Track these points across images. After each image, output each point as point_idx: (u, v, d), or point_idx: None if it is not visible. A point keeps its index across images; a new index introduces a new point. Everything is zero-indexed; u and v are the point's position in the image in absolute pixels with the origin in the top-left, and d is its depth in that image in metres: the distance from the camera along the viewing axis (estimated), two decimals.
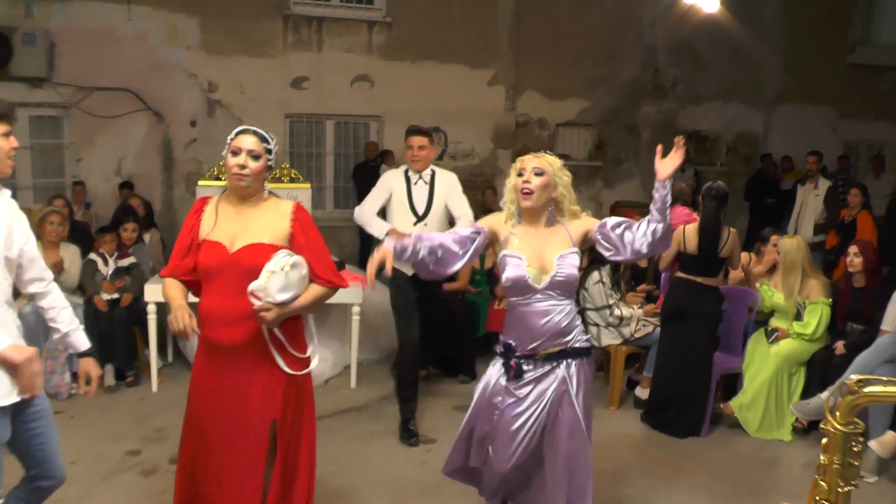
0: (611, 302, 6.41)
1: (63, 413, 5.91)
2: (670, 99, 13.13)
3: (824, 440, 1.53)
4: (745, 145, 13.69)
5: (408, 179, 5.69)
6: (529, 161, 3.60)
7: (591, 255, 6.85)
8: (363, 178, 10.84)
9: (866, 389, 1.49)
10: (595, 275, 6.46)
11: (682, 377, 5.94)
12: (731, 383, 6.37)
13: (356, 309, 6.64)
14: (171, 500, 4.47)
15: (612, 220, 3.50)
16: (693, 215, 6.83)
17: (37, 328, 6.22)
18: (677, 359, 5.96)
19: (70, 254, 6.64)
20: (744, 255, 6.65)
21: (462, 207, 5.68)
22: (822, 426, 1.54)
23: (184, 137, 10.72)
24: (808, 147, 10.65)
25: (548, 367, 3.55)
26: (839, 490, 1.48)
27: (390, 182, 5.76)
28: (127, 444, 5.38)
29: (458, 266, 3.58)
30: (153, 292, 6.36)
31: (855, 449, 1.48)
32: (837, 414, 1.50)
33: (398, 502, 4.72)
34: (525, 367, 3.56)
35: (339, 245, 10.35)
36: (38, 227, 6.47)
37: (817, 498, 1.52)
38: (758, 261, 6.92)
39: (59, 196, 8.14)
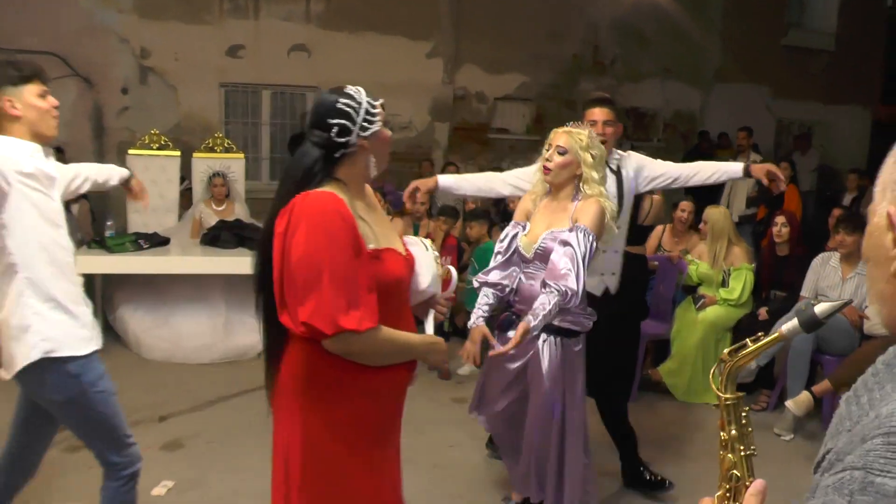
0: None
1: None
2: (609, 76, 13.20)
3: (720, 419, 1.60)
4: (682, 122, 13.87)
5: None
6: (556, 137, 3.66)
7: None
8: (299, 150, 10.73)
9: (738, 355, 1.59)
10: None
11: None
12: (660, 350, 6.50)
13: None
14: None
15: (566, 238, 3.42)
16: None
17: None
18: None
19: None
20: (658, 228, 6.82)
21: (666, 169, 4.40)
22: (715, 404, 1.62)
23: (115, 105, 10.43)
24: (744, 125, 10.86)
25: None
26: (742, 455, 1.55)
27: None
28: None
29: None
30: (82, 264, 6.18)
31: (743, 414, 1.57)
32: (724, 387, 1.58)
33: None
34: (512, 329, 3.54)
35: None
36: None
37: (728, 470, 1.57)
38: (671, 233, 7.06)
39: None
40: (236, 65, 10.95)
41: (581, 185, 3.62)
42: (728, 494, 1.56)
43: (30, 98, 2.95)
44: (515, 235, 3.73)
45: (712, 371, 1.70)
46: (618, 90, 13.18)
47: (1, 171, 2.80)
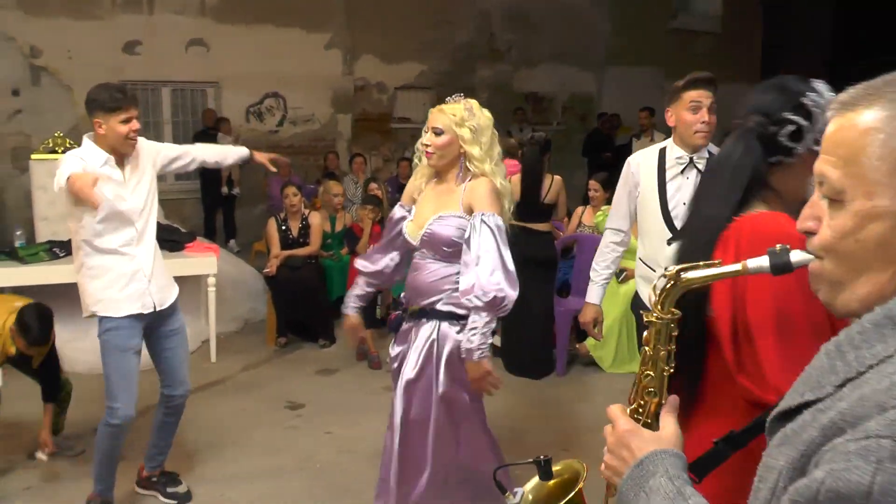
0: None
1: None
2: (506, 62, 13.43)
3: (646, 333, 1.57)
4: (579, 105, 14.22)
5: (663, 163, 3.63)
6: (431, 117, 3.33)
7: None
8: None
9: (685, 276, 1.51)
10: None
11: (527, 323, 6.16)
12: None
13: (211, 280, 6.47)
14: (35, 494, 4.34)
15: (478, 228, 3.16)
16: (516, 167, 7.05)
17: None
18: (520, 304, 6.16)
19: None
20: (577, 211, 6.99)
21: None
22: (646, 319, 1.57)
23: (6, 108, 10.06)
24: (640, 105, 11.17)
25: (412, 323, 3.40)
26: (664, 375, 1.55)
27: (638, 170, 3.74)
28: None
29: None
30: None
31: (673, 334, 1.55)
32: (660, 305, 1.55)
33: (274, 469, 4.70)
34: (404, 324, 3.47)
35: (182, 218, 10.01)
36: None
37: (645, 387, 1.56)
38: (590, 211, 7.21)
39: None
40: (133, 61, 10.71)
41: (466, 163, 3.30)
42: (641, 410, 1.56)
43: (114, 124, 3.67)
44: (402, 219, 3.50)
45: (652, 286, 1.63)
46: (514, 76, 13.46)
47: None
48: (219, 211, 10.84)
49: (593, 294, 4.19)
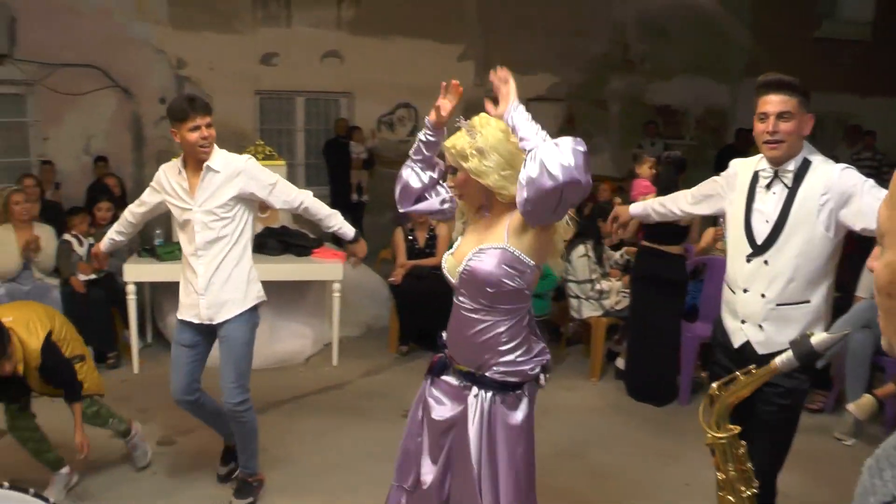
0: (593, 277, 6.48)
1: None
2: (638, 73, 13.20)
3: (713, 458, 1.47)
4: (713, 119, 13.81)
5: (755, 177, 3.30)
6: (447, 156, 2.89)
7: (576, 228, 6.89)
8: (334, 155, 10.83)
9: (725, 392, 1.43)
10: (580, 248, 6.50)
11: (652, 346, 6.03)
12: (712, 352, 6.43)
13: (336, 286, 6.61)
14: (161, 481, 4.51)
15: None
16: (653, 187, 6.87)
17: None
18: (647, 327, 6.07)
19: (45, 234, 6.52)
20: (708, 231, 6.72)
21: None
22: (706, 442, 1.47)
23: (153, 115, 10.53)
24: None
25: (460, 385, 2.91)
26: (743, 496, 1.46)
27: (732, 184, 3.46)
28: None
29: (401, 208, 3.18)
30: (132, 272, 6.31)
31: (740, 452, 1.44)
32: (713, 424, 1.45)
33: (381, 476, 4.71)
34: (451, 377, 2.96)
35: (312, 222, 10.24)
36: (4, 210, 6.38)
37: None
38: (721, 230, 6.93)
39: (30, 175, 7.98)
40: (270, 72, 11.07)
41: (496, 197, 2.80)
42: None
43: (184, 133, 3.88)
44: (450, 206, 3.10)
45: (702, 406, 1.54)
46: (646, 88, 13.21)
47: (155, 181, 4.22)
48: (347, 216, 10.99)
49: (637, 206, 4.07)
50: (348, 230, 4.57)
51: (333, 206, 10.96)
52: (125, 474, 4.67)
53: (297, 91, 11.29)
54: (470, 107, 10.49)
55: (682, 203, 3.78)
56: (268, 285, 6.73)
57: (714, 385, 1.34)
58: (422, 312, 6.91)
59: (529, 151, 2.53)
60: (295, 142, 11.55)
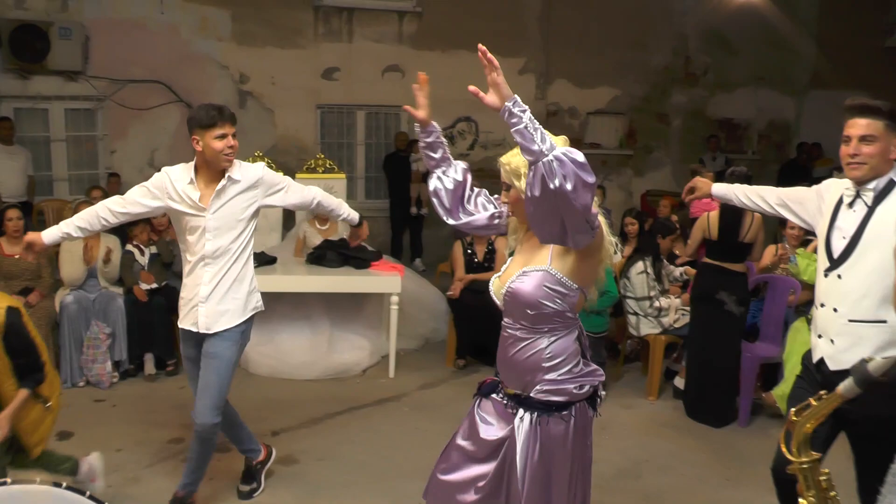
0: (652, 293, 6.39)
1: (105, 401, 6.01)
2: (701, 86, 13.06)
3: (798, 484, 1.45)
4: (776, 132, 13.58)
5: (840, 199, 3.34)
6: (502, 172, 2.86)
7: (636, 245, 6.84)
8: (394, 169, 10.89)
9: (801, 416, 1.41)
10: (639, 265, 6.43)
11: (712, 365, 5.92)
12: (773, 373, 6.30)
13: (394, 298, 6.63)
14: (217, 488, 4.58)
15: None
16: (713, 204, 6.76)
17: (78, 317, 6.30)
18: (706, 346, 5.95)
19: (112, 244, 6.67)
20: (769, 249, 6.59)
21: None
22: (788, 469, 1.45)
23: None
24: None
25: (508, 405, 2.89)
26: None
27: (823, 200, 3.46)
28: (169, 431, 5.42)
29: (450, 221, 3.01)
30: None
31: (822, 478, 1.42)
32: (795, 450, 1.43)
33: None
34: (496, 394, 2.96)
35: (370, 235, 10.25)
36: None
37: None
38: (784, 249, 6.76)
39: (97, 187, 8.17)
40: (331, 86, 11.23)
41: None
42: None
43: (209, 140, 3.85)
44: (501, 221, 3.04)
45: (782, 432, 1.53)
46: (709, 101, 13.06)
47: (155, 186, 4.04)
48: (406, 230, 11.09)
49: (720, 187, 4.04)
50: (354, 215, 4.57)
51: (393, 219, 11.15)
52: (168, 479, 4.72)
53: (357, 105, 11.41)
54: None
55: (768, 198, 3.76)
56: (327, 297, 6.90)
57: (793, 410, 1.34)
58: (479, 327, 6.89)
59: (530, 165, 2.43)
60: (355, 155, 11.66)
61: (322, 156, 8.14)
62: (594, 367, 2.88)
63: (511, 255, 2.99)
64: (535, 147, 2.38)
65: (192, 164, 4.02)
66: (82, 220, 4.02)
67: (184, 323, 4.15)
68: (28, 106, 10.14)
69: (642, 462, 5.22)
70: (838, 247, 3.24)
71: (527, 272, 2.73)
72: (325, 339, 6.90)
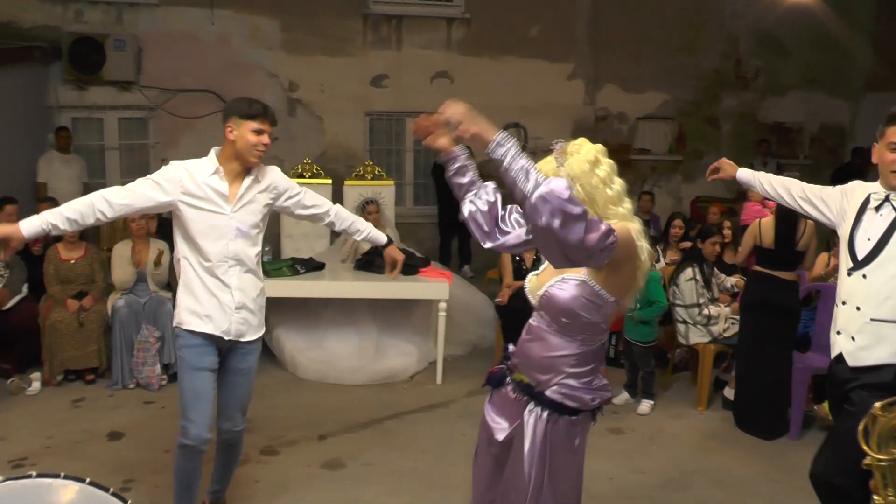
0: (701, 301, 6.31)
1: (155, 403, 6.10)
2: (752, 90, 12.88)
3: (872, 481, 1.40)
4: (830, 137, 13.33)
5: (867, 200, 3.48)
6: None
7: (685, 253, 6.76)
8: (442, 175, 10.83)
9: (890, 412, 1.36)
10: (688, 271, 6.36)
11: (762, 376, 5.81)
12: (825, 384, 6.15)
13: (442, 305, 6.63)
14: (264, 489, 4.61)
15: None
16: (764, 210, 6.65)
17: (129, 320, 6.41)
18: (756, 356, 5.84)
19: (163, 247, 6.77)
20: (821, 257, 6.46)
21: None
22: (864, 463, 1.41)
23: None
24: None
25: (517, 396, 2.92)
26: None
27: (848, 200, 3.60)
28: (216, 434, 5.47)
29: (488, 244, 2.86)
30: None
31: None
32: (874, 446, 1.37)
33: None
34: (507, 381, 2.98)
35: (419, 241, 10.36)
36: (124, 228, 6.70)
37: None
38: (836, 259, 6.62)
39: None
40: (380, 94, 11.29)
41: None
42: None
43: (245, 131, 3.67)
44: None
45: (861, 425, 1.47)
46: (759, 105, 12.88)
47: (166, 179, 3.72)
48: (455, 236, 11.08)
49: (746, 172, 4.09)
50: (378, 236, 4.30)
51: (441, 225, 11.12)
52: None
53: (406, 112, 11.43)
54: (578, 125, 10.49)
55: (793, 190, 3.83)
56: (375, 303, 6.94)
57: (877, 405, 1.31)
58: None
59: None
60: (404, 162, 11.70)
61: (370, 163, 8.20)
62: (605, 381, 2.90)
63: None
64: (520, 187, 2.34)
65: (211, 156, 3.78)
66: (73, 212, 3.58)
67: (209, 327, 3.77)
68: (84, 116, 10.41)
69: (691, 474, 5.15)
70: (863, 248, 3.34)
71: (566, 279, 2.72)
72: (372, 345, 6.94)
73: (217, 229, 3.74)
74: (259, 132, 3.68)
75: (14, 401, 6.09)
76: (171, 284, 6.77)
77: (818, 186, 3.76)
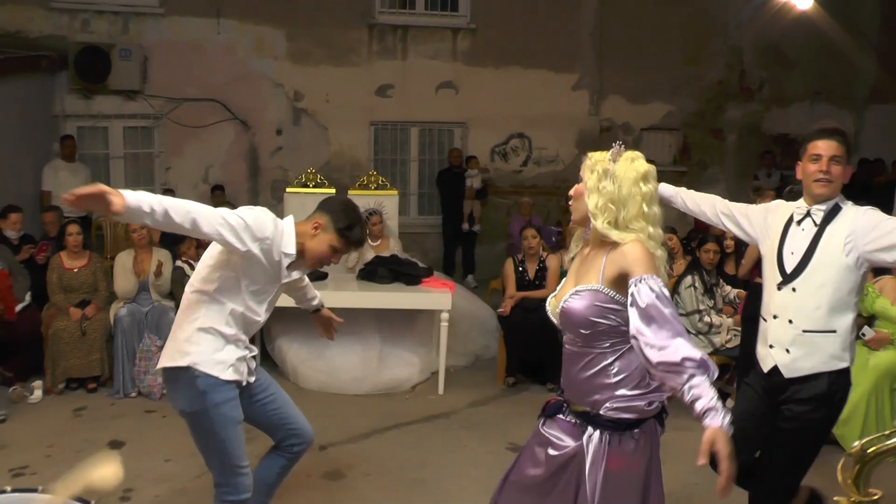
0: (701, 308, 6.30)
1: (156, 412, 6.10)
2: (756, 101, 12.88)
3: None
4: None
5: (791, 218, 3.62)
6: (584, 163, 2.85)
7: (690, 260, 6.76)
8: (447, 185, 10.91)
9: (871, 450, 1.36)
10: (688, 279, 6.36)
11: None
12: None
13: (445, 315, 6.61)
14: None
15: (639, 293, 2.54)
16: None
17: (131, 329, 6.42)
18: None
19: (164, 258, 6.79)
20: None
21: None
22: (835, 498, 1.42)
23: (269, 146, 10.95)
24: None
25: (576, 422, 2.82)
26: None
27: (773, 216, 3.74)
28: None
29: None
30: None
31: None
32: (850, 483, 1.37)
33: None
34: (562, 414, 2.88)
35: (423, 251, 10.40)
36: (127, 238, 6.71)
37: None
38: None
39: None
40: (385, 103, 11.32)
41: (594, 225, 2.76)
42: None
43: (328, 242, 3.45)
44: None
45: (840, 463, 1.47)
46: (764, 116, 12.87)
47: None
48: (459, 246, 11.09)
49: (667, 188, 4.04)
50: (315, 301, 4.09)
51: (445, 235, 11.15)
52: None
53: (411, 122, 11.47)
54: (583, 136, 10.48)
55: (717, 206, 3.92)
56: (377, 313, 6.93)
57: (857, 444, 1.31)
58: (530, 344, 6.87)
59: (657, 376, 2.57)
60: (408, 171, 11.71)
61: (374, 172, 8.20)
62: (657, 383, 2.76)
63: (564, 273, 3.01)
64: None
65: (291, 232, 3.44)
66: (175, 212, 3.06)
67: (241, 373, 3.50)
68: (90, 124, 10.44)
69: (693, 486, 5.12)
70: (790, 262, 3.51)
71: (579, 291, 2.71)
72: (375, 355, 6.93)
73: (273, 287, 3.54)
74: (336, 252, 3.51)
75: (15, 409, 6.08)
76: (173, 295, 6.78)
77: (742, 204, 3.89)
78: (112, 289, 6.75)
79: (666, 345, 2.45)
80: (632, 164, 2.72)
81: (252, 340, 3.60)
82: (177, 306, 6.64)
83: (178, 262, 6.87)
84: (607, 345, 2.71)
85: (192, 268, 6.82)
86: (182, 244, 6.98)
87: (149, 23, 10.39)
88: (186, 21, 10.46)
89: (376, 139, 11.54)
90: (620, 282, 2.65)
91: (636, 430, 2.73)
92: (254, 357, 3.60)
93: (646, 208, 2.70)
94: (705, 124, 12.69)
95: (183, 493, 4.74)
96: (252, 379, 3.57)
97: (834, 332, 3.45)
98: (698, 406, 2.44)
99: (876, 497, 1.26)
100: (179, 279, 6.79)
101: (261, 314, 3.50)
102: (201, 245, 7.07)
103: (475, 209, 10.95)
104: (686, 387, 2.45)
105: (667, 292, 2.56)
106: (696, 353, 2.44)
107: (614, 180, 2.69)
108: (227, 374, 3.39)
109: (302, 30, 10.85)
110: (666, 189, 4.01)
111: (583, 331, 2.70)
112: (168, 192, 9.94)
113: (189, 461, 5.14)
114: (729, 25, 12.41)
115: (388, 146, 11.64)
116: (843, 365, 3.48)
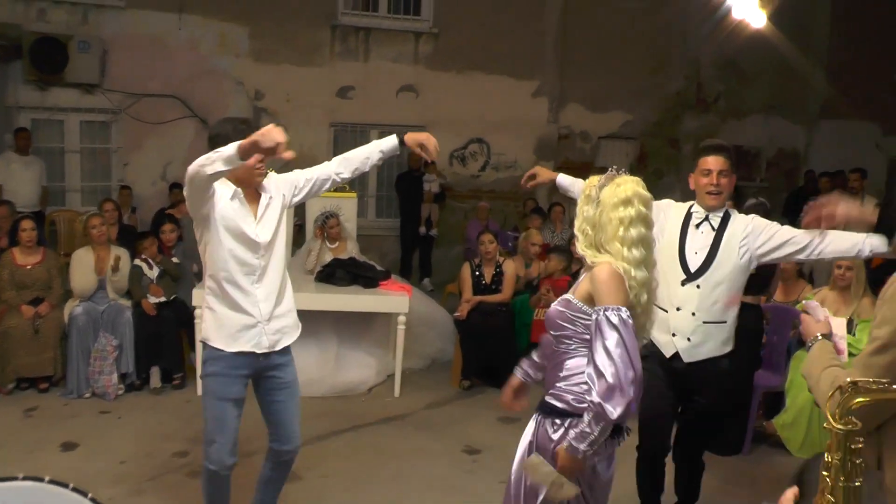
0: None
1: (111, 413, 6.04)
2: (713, 113, 13.12)
3: (829, 440, 1.59)
4: (785, 160, 13.62)
5: (688, 218, 4.02)
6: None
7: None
8: (406, 188, 10.94)
9: (859, 389, 1.56)
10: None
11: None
12: (774, 401, 6.28)
13: (402, 318, 6.64)
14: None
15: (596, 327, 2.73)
16: None
17: (87, 328, 6.35)
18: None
19: (122, 253, 6.72)
20: (802, 287, 6.57)
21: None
22: (824, 425, 1.59)
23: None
24: (851, 164, 10.44)
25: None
26: (840, 486, 1.54)
27: (665, 216, 4.06)
28: (174, 444, 5.45)
29: None
30: (200, 297, 6.43)
31: (854, 447, 1.55)
32: (836, 414, 1.57)
33: None
34: None
35: (381, 254, 10.42)
36: (84, 234, 6.64)
37: (823, 492, 1.59)
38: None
39: (109, 200, 8.31)
40: (346, 105, 11.33)
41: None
42: None
43: None
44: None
45: (830, 393, 1.67)
46: (721, 127, 13.08)
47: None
48: (416, 250, 11.13)
49: (566, 178, 4.44)
50: (390, 141, 4.10)
51: (402, 238, 11.14)
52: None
53: (371, 124, 11.46)
54: (541, 143, 10.55)
55: None
56: (335, 315, 6.93)
57: (847, 380, 1.47)
58: (486, 348, 6.94)
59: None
60: (367, 174, 11.65)
61: None
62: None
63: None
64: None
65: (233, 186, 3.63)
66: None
67: (238, 345, 3.66)
68: (45, 117, 10.27)
69: None
70: (694, 262, 3.92)
71: (561, 299, 2.95)
72: (332, 357, 6.92)
73: (250, 242, 3.68)
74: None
75: None
76: (131, 293, 6.73)
77: None
78: (67, 286, 6.65)
79: (599, 376, 2.66)
80: (616, 189, 2.87)
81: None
82: (134, 305, 6.64)
83: (137, 261, 6.82)
84: (572, 346, 2.89)
85: (150, 266, 6.82)
86: (144, 241, 6.93)
87: (109, 15, 10.24)
88: (148, 15, 10.34)
89: (336, 141, 11.52)
90: (590, 299, 2.83)
91: (557, 421, 2.86)
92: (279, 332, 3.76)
93: (622, 231, 2.82)
94: (663, 134, 12.89)
95: (138, 494, 4.71)
96: (259, 351, 3.70)
97: (725, 322, 3.99)
98: (570, 434, 2.74)
99: (852, 427, 1.43)
100: (138, 277, 6.75)
101: (239, 263, 3.63)
102: (164, 246, 7.05)
103: (433, 213, 10.99)
104: (584, 417, 2.70)
105: (628, 321, 2.71)
106: (611, 408, 2.63)
107: (597, 205, 2.89)
108: (226, 344, 3.67)
109: (265, 28, 10.81)
110: (564, 180, 4.43)
111: (552, 332, 2.95)
112: (125, 188, 9.87)
113: (144, 462, 5.13)
114: (687, 38, 12.60)
115: (347, 148, 11.24)
116: (729, 349, 4.07)
